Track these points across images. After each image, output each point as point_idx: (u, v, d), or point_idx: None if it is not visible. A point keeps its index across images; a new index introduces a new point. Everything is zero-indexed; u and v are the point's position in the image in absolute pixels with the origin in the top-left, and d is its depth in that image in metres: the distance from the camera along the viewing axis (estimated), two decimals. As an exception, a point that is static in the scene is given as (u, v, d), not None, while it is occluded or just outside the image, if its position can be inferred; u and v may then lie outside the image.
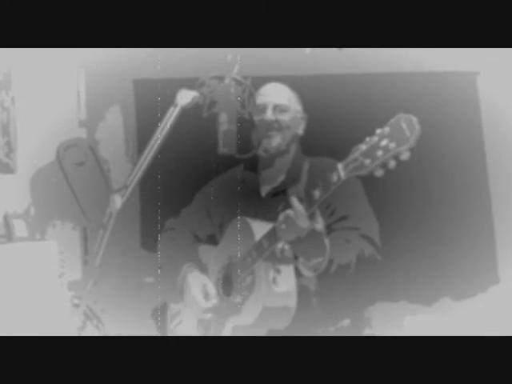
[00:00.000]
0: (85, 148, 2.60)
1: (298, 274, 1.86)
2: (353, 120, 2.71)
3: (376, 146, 1.50)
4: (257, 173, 2.16)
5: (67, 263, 2.37)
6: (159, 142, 1.91)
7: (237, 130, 2.08)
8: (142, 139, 2.63)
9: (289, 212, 1.71)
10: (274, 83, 2.13)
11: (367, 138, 1.53)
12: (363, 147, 1.53)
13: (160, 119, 1.96)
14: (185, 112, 1.95)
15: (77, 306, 2.03)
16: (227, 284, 1.97)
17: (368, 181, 2.09)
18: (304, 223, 1.69)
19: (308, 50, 2.66)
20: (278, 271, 1.83)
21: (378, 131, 1.51)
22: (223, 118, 2.05)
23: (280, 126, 2.05)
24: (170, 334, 2.12)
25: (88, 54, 2.61)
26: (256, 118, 2.06)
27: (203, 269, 2.08)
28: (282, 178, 2.10)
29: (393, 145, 1.47)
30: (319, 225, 1.72)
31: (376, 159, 1.50)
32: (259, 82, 2.14)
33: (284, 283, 1.83)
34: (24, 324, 1.90)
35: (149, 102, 2.65)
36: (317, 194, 1.66)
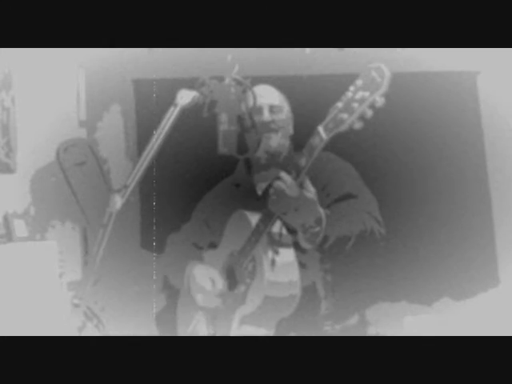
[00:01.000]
0: (85, 148, 2.60)
1: (299, 248, 1.86)
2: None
3: (351, 100, 1.53)
4: (250, 175, 2.16)
5: (67, 263, 2.37)
6: (159, 141, 1.91)
7: (237, 130, 2.08)
8: (142, 139, 2.63)
9: (278, 183, 1.71)
10: (263, 85, 2.14)
11: (342, 96, 1.56)
12: (339, 104, 1.56)
13: (160, 119, 1.96)
14: (185, 112, 1.95)
15: (77, 306, 2.03)
16: (231, 278, 1.98)
17: (368, 181, 2.10)
18: (294, 192, 1.69)
19: (308, 49, 2.66)
20: (277, 252, 1.83)
21: (351, 87, 1.54)
22: (223, 118, 2.05)
23: (277, 126, 2.07)
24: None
25: (88, 54, 2.60)
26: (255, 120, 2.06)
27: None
28: (276, 172, 2.10)
29: (367, 94, 1.49)
30: (310, 193, 1.72)
31: (353, 112, 1.52)
32: (259, 82, 2.14)
33: (284, 269, 1.83)
34: (24, 324, 1.90)
35: (149, 102, 2.66)
36: (303, 161, 1.67)
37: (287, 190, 1.69)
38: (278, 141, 2.07)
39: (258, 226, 1.83)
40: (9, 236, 2.27)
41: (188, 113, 1.99)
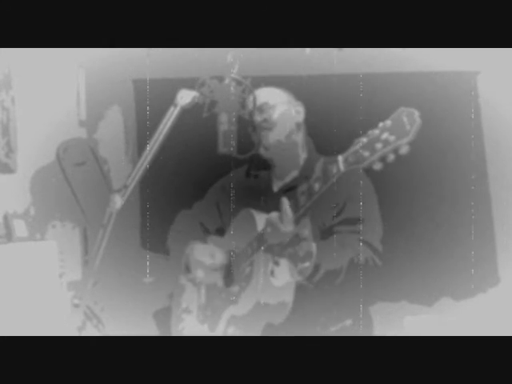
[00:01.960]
0: (85, 148, 2.60)
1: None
2: (353, 120, 2.71)
3: (376, 139, 1.50)
4: (269, 169, 2.16)
5: (67, 263, 2.37)
6: (159, 142, 1.91)
7: (237, 130, 2.08)
8: (142, 139, 2.63)
9: (274, 216, 1.72)
10: (260, 89, 2.13)
11: (369, 131, 1.53)
12: (364, 140, 1.53)
13: (160, 119, 1.96)
14: (185, 112, 1.95)
15: (77, 306, 2.03)
16: (228, 275, 1.98)
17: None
18: (288, 228, 1.69)
19: (308, 49, 2.66)
20: (277, 263, 1.83)
21: (380, 124, 1.51)
22: (223, 118, 2.05)
23: (269, 124, 2.05)
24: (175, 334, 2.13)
25: (88, 54, 2.60)
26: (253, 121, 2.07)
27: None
28: (294, 173, 2.10)
29: (392, 138, 1.47)
30: (306, 231, 1.72)
31: (375, 152, 1.49)
32: (259, 82, 2.14)
33: (282, 276, 1.83)
34: (24, 324, 1.90)
35: (149, 102, 2.66)
36: (317, 186, 1.66)
37: (281, 225, 1.70)
38: (274, 137, 2.06)
39: (262, 232, 1.83)
40: (9, 236, 2.26)
41: (188, 113, 1.99)
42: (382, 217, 2.03)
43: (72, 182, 2.53)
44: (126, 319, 2.49)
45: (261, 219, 1.88)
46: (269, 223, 1.74)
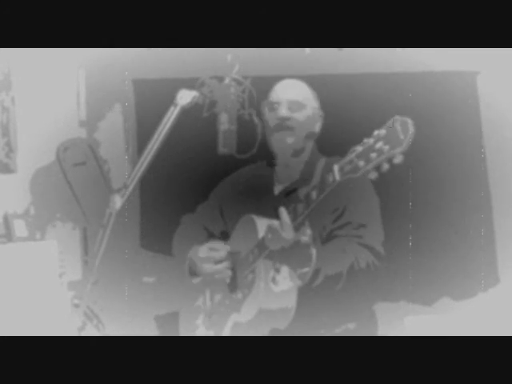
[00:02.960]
0: (85, 148, 2.60)
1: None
2: (353, 120, 2.71)
3: (371, 148, 1.50)
4: (273, 171, 2.12)
5: (67, 263, 2.37)
6: (159, 142, 1.91)
7: (237, 130, 2.08)
8: (142, 139, 2.63)
9: (274, 223, 1.72)
10: (291, 80, 2.07)
11: (364, 140, 1.53)
12: (359, 149, 1.53)
13: (160, 119, 1.96)
14: (185, 112, 1.95)
15: (77, 306, 2.03)
16: (232, 281, 1.97)
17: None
18: (289, 235, 1.69)
19: (308, 49, 2.66)
20: (278, 271, 1.83)
21: (375, 133, 1.51)
22: (223, 118, 2.05)
23: (293, 124, 1.98)
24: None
25: (88, 54, 2.60)
26: (269, 115, 2.01)
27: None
28: (296, 176, 2.07)
29: (386, 147, 1.47)
30: (306, 237, 1.72)
31: (370, 162, 1.49)
32: (259, 81, 2.14)
33: (283, 283, 1.83)
34: (24, 324, 1.90)
35: (149, 102, 2.66)
36: (314, 194, 1.66)
37: (282, 232, 1.69)
38: (293, 139, 1.99)
39: (263, 239, 1.81)
40: (9, 236, 2.27)
41: (188, 113, 1.99)
42: (382, 218, 2.02)
43: (72, 182, 2.53)
44: (125, 319, 2.49)
45: (262, 225, 1.87)
46: (270, 230, 1.74)
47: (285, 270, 1.84)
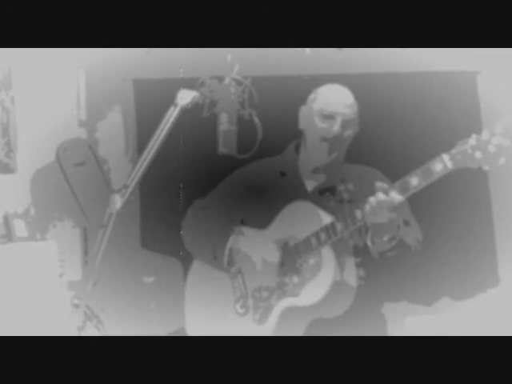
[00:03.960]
0: (84, 148, 2.60)
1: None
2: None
3: (487, 142, 1.57)
4: (297, 168, 2.12)
5: (67, 263, 2.37)
6: (159, 142, 1.91)
7: (237, 130, 2.08)
8: (142, 139, 2.63)
9: (379, 199, 1.74)
10: (342, 88, 2.09)
11: (475, 134, 1.61)
12: (472, 141, 1.61)
13: (160, 119, 1.96)
14: (185, 112, 1.95)
15: (77, 306, 2.03)
16: (286, 266, 1.96)
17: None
18: (391, 213, 1.75)
19: (308, 49, 2.65)
20: (343, 265, 1.87)
21: (490, 128, 1.58)
22: (223, 118, 2.05)
23: (341, 142, 2.03)
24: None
25: (88, 54, 2.60)
26: (320, 125, 2.02)
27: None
28: (324, 176, 2.08)
29: (507, 142, 1.54)
30: (400, 197, 1.76)
31: (488, 155, 1.57)
32: (259, 81, 2.14)
33: (350, 272, 1.88)
34: (24, 324, 1.90)
35: (149, 102, 2.65)
36: (414, 180, 1.73)
37: (384, 209, 1.74)
38: (335, 154, 2.04)
39: (334, 225, 1.84)
40: (9, 236, 2.27)
41: (188, 113, 2.00)
42: None
43: (72, 182, 2.53)
44: (125, 319, 2.49)
45: (323, 212, 1.89)
46: (374, 204, 1.75)
47: (350, 263, 1.89)
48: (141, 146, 2.58)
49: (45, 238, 2.51)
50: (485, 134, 1.57)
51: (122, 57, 2.59)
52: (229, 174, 2.25)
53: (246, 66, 2.07)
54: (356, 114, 2.07)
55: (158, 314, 2.62)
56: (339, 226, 1.83)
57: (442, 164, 1.67)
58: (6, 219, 2.31)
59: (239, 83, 2.01)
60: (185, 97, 1.95)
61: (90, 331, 2.17)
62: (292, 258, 1.93)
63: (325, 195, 2.03)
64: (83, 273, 2.52)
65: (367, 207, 1.77)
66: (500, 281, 2.79)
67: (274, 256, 1.97)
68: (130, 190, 1.91)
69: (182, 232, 2.20)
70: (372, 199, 1.76)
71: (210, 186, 2.28)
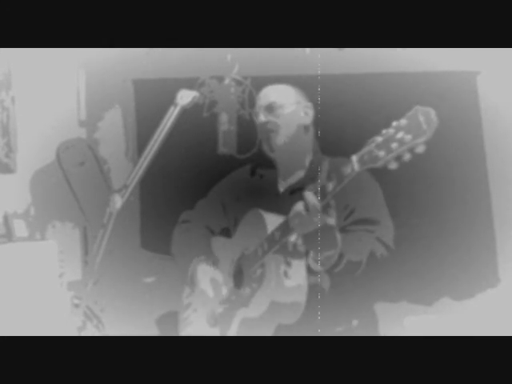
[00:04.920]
0: (85, 148, 2.60)
1: (308, 270, 1.85)
2: (353, 120, 2.71)
3: (391, 138, 1.48)
4: (275, 169, 2.12)
5: (67, 263, 2.37)
6: (159, 141, 1.91)
7: (237, 130, 2.08)
8: (142, 139, 2.63)
9: (302, 205, 1.70)
10: (266, 87, 2.09)
11: (383, 131, 1.51)
12: (379, 139, 1.51)
13: (160, 119, 1.96)
14: (185, 112, 1.95)
15: (77, 306, 2.03)
16: (238, 277, 1.97)
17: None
18: (316, 217, 1.68)
19: (308, 49, 2.66)
20: (289, 264, 1.82)
21: (394, 123, 1.48)
22: (223, 118, 2.05)
23: (273, 126, 2.00)
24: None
25: (88, 54, 2.61)
26: (257, 126, 2.04)
27: (215, 261, 2.06)
28: (300, 174, 2.07)
29: (409, 137, 1.45)
30: (332, 219, 1.70)
31: (391, 151, 1.47)
32: (259, 81, 2.13)
33: (295, 277, 1.83)
34: (24, 324, 1.90)
35: (149, 102, 2.65)
36: (330, 186, 1.64)
37: (310, 215, 1.68)
38: (281, 139, 2.01)
39: (273, 234, 1.81)
40: (9, 236, 2.27)
41: (188, 113, 2.00)
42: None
43: (72, 182, 2.53)
44: (126, 319, 2.49)
45: (270, 220, 1.87)
46: (297, 213, 1.70)
47: (296, 263, 1.83)
48: (141, 146, 2.58)
49: (45, 238, 2.51)
50: (390, 130, 1.48)
51: (121, 57, 2.59)
52: (229, 173, 2.25)
53: (245, 66, 2.07)
54: (286, 97, 2.03)
55: (157, 314, 2.62)
56: (276, 235, 1.79)
57: (351, 167, 1.57)
58: (6, 219, 2.31)
59: (239, 83, 2.01)
60: (185, 97, 1.96)
61: (90, 331, 2.17)
62: (245, 268, 1.94)
63: (295, 195, 1.97)
64: (83, 273, 2.52)
65: (294, 218, 1.73)
66: (500, 281, 2.80)
67: (225, 274, 1.98)
68: (130, 189, 1.92)
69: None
70: (294, 209, 1.72)
71: (209, 186, 2.28)
